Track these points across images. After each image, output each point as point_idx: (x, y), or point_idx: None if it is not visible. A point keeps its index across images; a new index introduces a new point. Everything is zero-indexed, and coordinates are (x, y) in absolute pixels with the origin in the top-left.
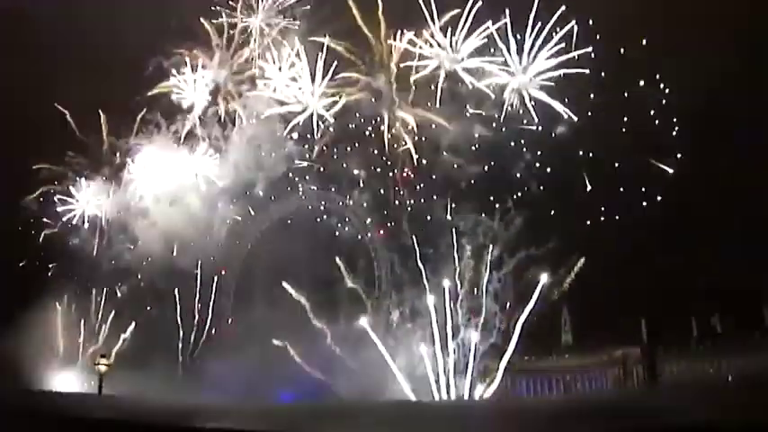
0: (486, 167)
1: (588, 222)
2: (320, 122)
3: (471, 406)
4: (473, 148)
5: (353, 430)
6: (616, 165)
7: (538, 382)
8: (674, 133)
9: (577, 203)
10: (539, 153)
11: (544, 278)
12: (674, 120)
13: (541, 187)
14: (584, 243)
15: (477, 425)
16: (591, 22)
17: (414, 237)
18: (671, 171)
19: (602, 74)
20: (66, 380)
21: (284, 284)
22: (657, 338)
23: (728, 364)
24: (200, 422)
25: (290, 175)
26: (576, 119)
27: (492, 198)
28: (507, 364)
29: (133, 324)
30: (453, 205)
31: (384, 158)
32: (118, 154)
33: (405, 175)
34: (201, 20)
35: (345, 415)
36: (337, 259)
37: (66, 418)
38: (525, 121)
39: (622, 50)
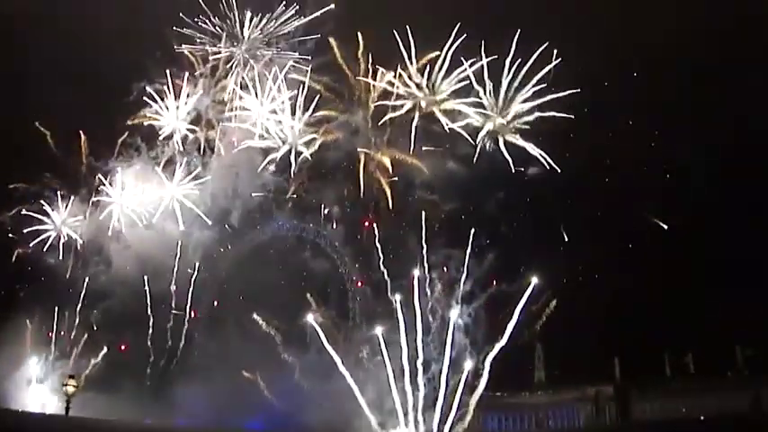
0: (460, 204)
1: (563, 262)
2: (297, 158)
3: None
4: (447, 185)
5: None
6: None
7: (510, 418)
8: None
9: (554, 244)
10: (513, 192)
11: (534, 280)
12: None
13: (515, 224)
14: (559, 281)
15: None
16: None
17: (385, 270)
18: (666, 227)
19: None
20: (34, 400)
21: (255, 316)
22: (630, 376)
23: (701, 403)
24: None
25: (267, 205)
26: (552, 164)
27: (466, 234)
28: (478, 400)
29: (105, 348)
30: (425, 240)
31: (359, 195)
32: (97, 176)
33: (369, 220)
34: (185, 48)
35: None
36: (308, 295)
37: None
38: (511, 159)
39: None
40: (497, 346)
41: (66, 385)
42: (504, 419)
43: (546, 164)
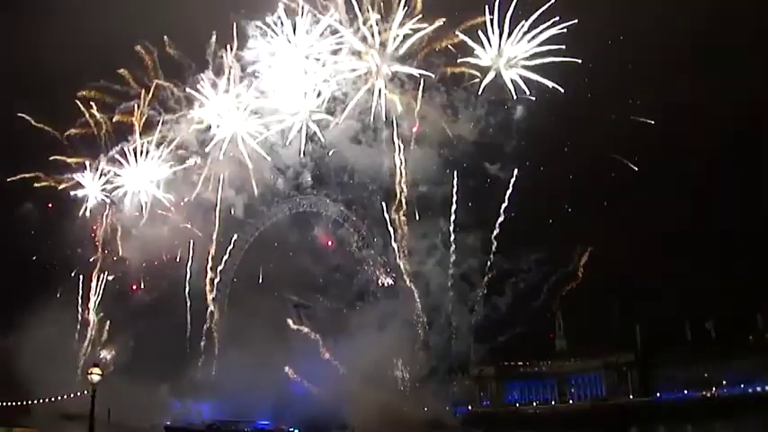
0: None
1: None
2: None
3: None
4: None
5: None
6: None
7: (532, 387)
8: None
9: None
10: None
11: None
12: None
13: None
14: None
15: None
16: None
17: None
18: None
19: None
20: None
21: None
22: (652, 343)
23: (723, 367)
24: None
25: None
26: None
27: None
28: (500, 369)
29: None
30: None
31: None
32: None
33: None
34: None
35: None
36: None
37: None
38: None
39: None
40: None
41: (90, 374)
42: (526, 389)
43: None
